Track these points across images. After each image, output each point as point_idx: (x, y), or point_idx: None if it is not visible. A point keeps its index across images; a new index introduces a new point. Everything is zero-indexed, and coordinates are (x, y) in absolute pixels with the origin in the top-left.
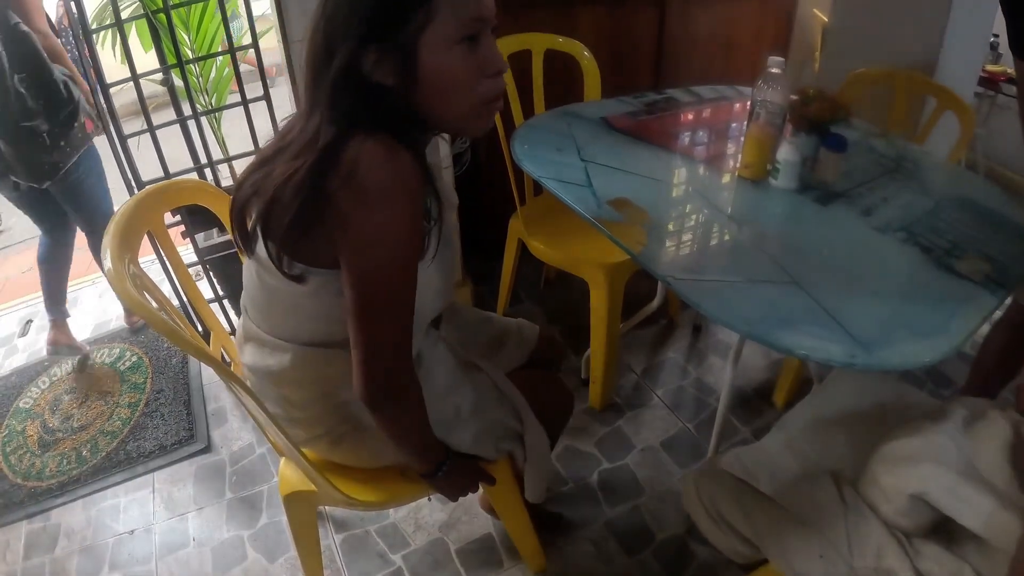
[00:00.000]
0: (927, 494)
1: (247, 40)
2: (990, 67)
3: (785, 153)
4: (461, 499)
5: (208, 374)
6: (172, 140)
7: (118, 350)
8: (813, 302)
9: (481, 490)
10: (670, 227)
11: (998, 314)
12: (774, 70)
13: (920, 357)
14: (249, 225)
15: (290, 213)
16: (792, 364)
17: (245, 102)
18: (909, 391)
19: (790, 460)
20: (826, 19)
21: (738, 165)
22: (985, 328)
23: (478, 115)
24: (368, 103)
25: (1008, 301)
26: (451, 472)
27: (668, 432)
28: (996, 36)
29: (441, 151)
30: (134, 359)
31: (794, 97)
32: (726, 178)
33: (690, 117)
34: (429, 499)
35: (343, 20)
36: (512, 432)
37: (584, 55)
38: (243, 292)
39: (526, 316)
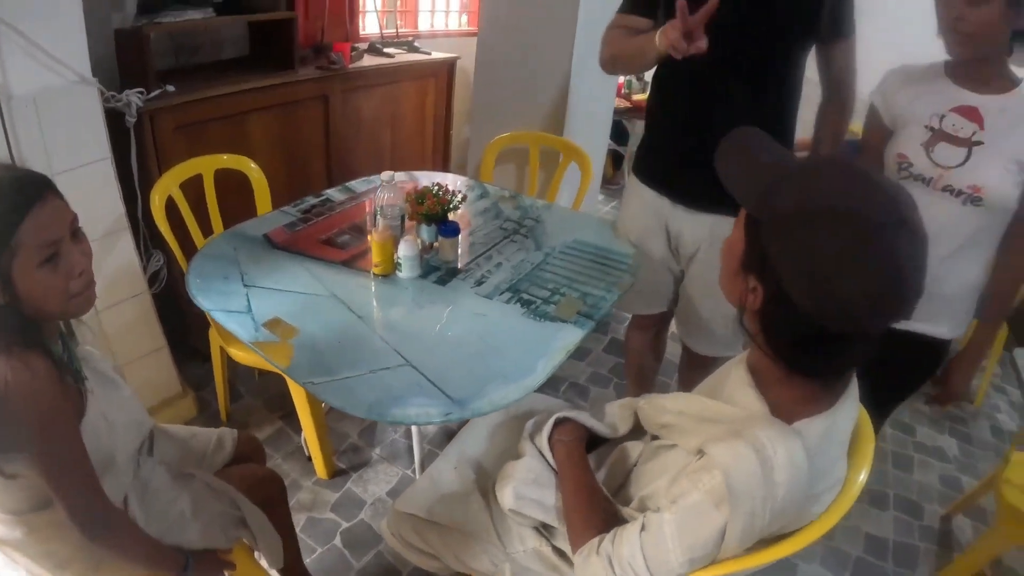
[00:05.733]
0: (519, 510)
1: None
2: (637, 97)
3: (404, 249)
4: None
5: None
6: None
7: None
8: (421, 376)
9: None
10: (314, 337)
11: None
12: (388, 181)
13: (507, 399)
14: None
15: None
16: None
17: None
18: (546, 399)
19: (452, 481)
20: None
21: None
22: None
23: (77, 305)
24: None
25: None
26: (197, 569)
27: (391, 482)
28: None
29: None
30: None
31: (410, 197)
32: (363, 278)
33: (338, 220)
34: None
35: None
36: (235, 519)
37: (251, 168)
38: None
39: (247, 410)
